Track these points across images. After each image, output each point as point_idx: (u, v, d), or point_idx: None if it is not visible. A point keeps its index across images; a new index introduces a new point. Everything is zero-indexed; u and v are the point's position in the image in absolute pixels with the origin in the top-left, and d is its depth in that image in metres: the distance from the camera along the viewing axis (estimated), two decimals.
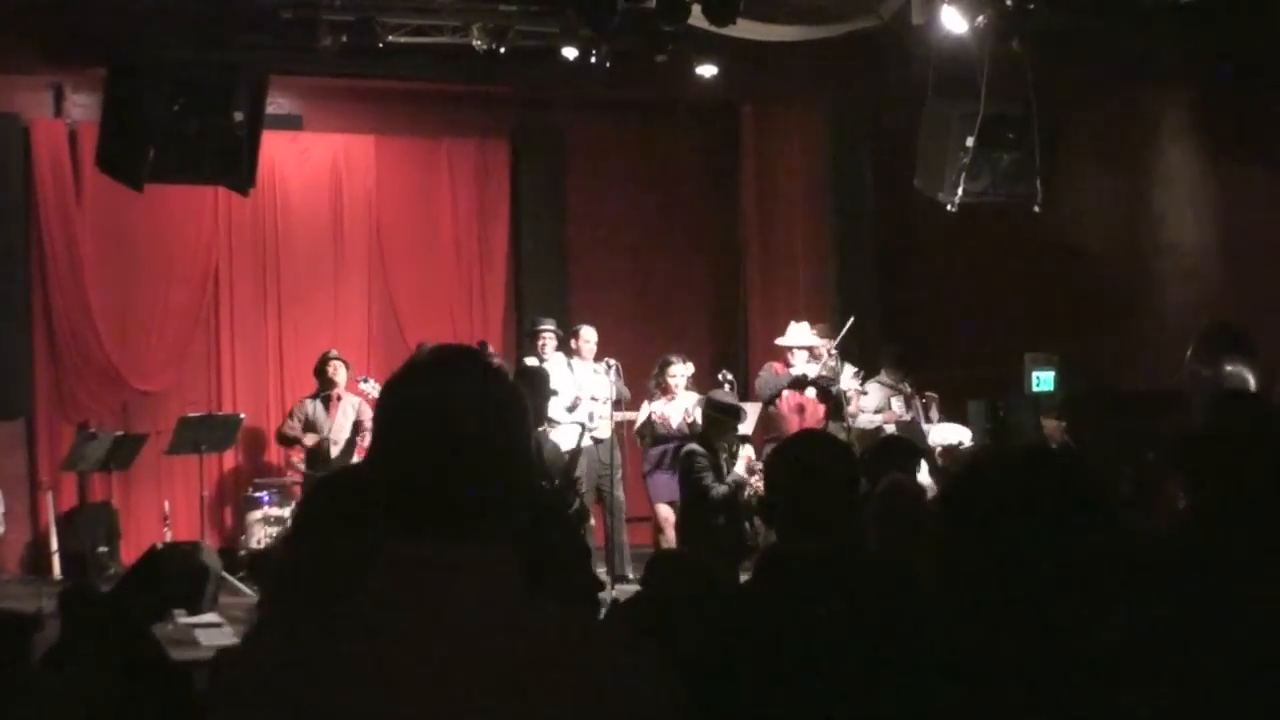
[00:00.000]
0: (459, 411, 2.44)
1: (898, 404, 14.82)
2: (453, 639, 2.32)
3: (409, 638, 2.33)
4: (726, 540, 11.42)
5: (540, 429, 12.28)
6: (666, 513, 13.80)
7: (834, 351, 14.54)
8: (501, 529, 2.46)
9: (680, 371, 14.34)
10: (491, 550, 2.43)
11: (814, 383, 14.26)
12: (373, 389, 14.21)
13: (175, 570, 12.81)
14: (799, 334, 14.64)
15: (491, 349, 14.82)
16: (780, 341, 14.63)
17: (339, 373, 14.59)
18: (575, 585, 4.49)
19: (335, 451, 14.45)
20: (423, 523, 2.43)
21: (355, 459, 14.16)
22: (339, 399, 14.53)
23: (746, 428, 13.62)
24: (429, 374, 2.53)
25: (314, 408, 14.46)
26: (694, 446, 11.89)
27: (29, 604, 11.67)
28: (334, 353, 14.85)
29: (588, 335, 15.09)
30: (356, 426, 14.36)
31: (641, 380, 14.75)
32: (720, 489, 11.55)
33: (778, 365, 14.56)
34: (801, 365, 14.48)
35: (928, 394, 15.00)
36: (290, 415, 14.73)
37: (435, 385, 2.48)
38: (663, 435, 14.16)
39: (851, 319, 14.77)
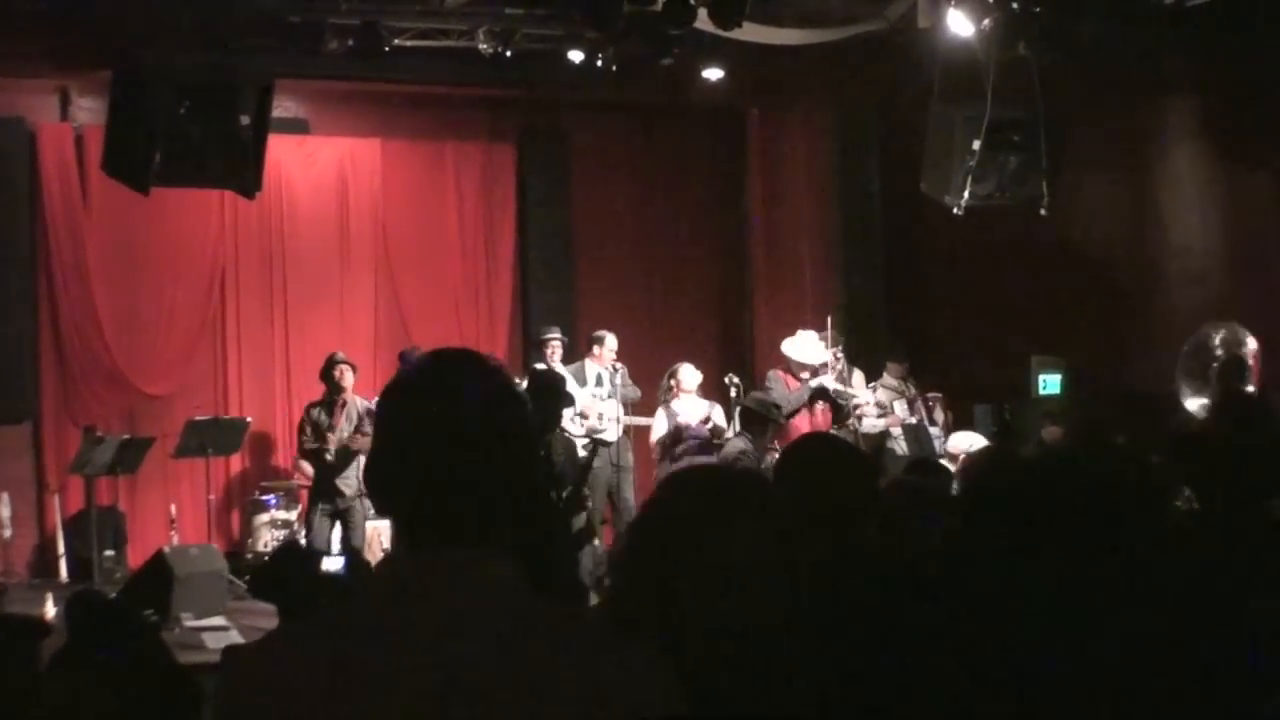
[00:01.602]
0: (462, 417, 2.44)
1: (900, 407, 14.81)
2: (459, 643, 2.32)
3: (416, 641, 2.33)
4: None
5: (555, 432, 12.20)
6: None
7: (840, 356, 14.58)
8: (506, 532, 2.46)
9: (689, 374, 14.38)
10: (496, 554, 2.43)
11: (830, 396, 14.25)
12: None
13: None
14: (810, 348, 14.54)
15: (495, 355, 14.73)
16: (795, 356, 14.52)
17: (345, 376, 14.10)
18: (564, 588, 4.49)
19: (329, 456, 13.92)
20: (428, 528, 2.43)
21: (359, 462, 14.02)
22: (344, 404, 14.08)
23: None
24: (430, 379, 2.53)
25: (319, 414, 14.07)
26: (740, 443, 11.88)
27: (36, 608, 11.69)
28: (340, 355, 14.39)
29: (611, 343, 15.07)
30: (358, 428, 14.01)
31: (647, 384, 14.75)
32: None
33: (788, 378, 14.45)
34: (813, 376, 14.46)
35: (931, 395, 14.96)
36: (301, 430, 14.29)
37: (437, 390, 2.48)
38: (682, 436, 14.19)
39: (830, 317, 14.82)
